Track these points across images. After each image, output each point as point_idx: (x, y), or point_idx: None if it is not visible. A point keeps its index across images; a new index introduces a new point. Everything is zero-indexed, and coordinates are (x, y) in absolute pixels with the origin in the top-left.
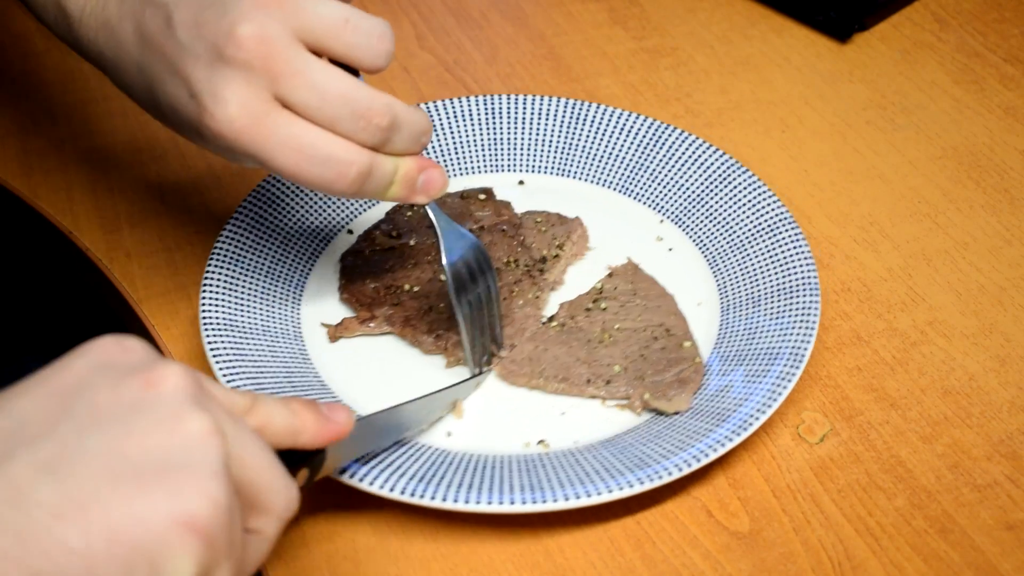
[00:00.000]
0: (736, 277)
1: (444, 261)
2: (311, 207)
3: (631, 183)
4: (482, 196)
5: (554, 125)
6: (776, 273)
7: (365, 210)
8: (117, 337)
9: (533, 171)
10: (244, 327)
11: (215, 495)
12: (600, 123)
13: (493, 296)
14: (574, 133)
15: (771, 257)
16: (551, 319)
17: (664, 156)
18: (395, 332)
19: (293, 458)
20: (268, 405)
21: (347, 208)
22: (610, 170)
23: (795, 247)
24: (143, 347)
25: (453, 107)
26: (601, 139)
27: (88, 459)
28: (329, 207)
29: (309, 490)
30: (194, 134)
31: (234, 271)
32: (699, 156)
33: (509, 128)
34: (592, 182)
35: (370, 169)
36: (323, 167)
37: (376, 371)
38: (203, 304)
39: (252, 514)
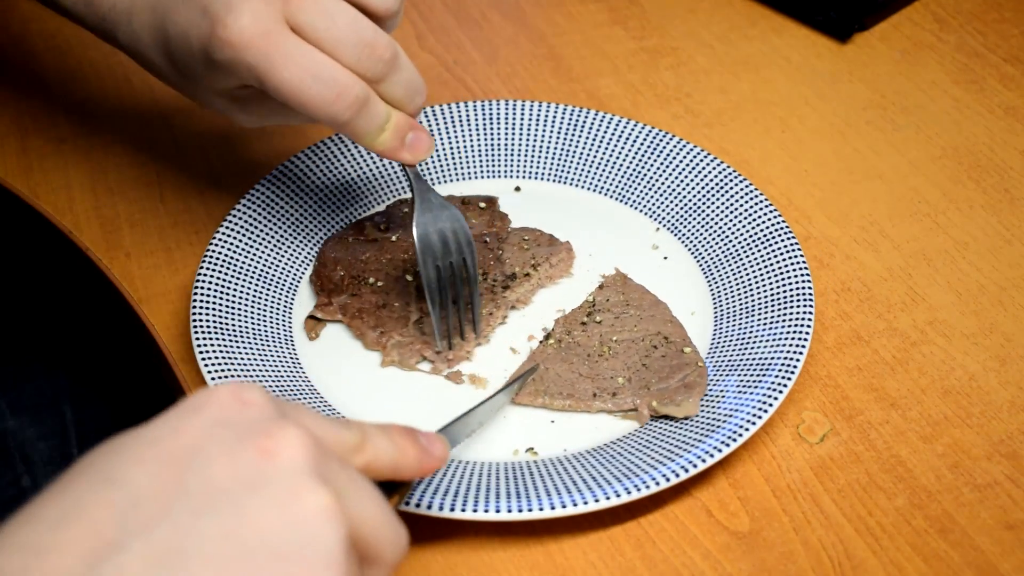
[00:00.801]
0: (731, 286)
1: (414, 223)
2: (306, 211)
3: (627, 190)
4: (483, 204)
5: (551, 131)
6: (770, 283)
7: (361, 215)
8: (235, 389)
9: (530, 177)
10: (235, 331)
11: None
12: (597, 130)
13: (470, 274)
14: (571, 140)
15: (766, 266)
16: (547, 336)
17: (661, 164)
18: (344, 322)
19: (385, 485)
20: (375, 441)
21: (342, 212)
22: (607, 177)
23: (790, 257)
24: (261, 399)
25: (450, 112)
26: (598, 146)
27: (202, 550)
28: (324, 211)
29: None
30: (200, 61)
31: (226, 275)
32: (696, 164)
33: (506, 134)
34: (589, 189)
35: (367, 100)
36: (324, 85)
37: (366, 376)
38: (194, 308)
39: (366, 565)
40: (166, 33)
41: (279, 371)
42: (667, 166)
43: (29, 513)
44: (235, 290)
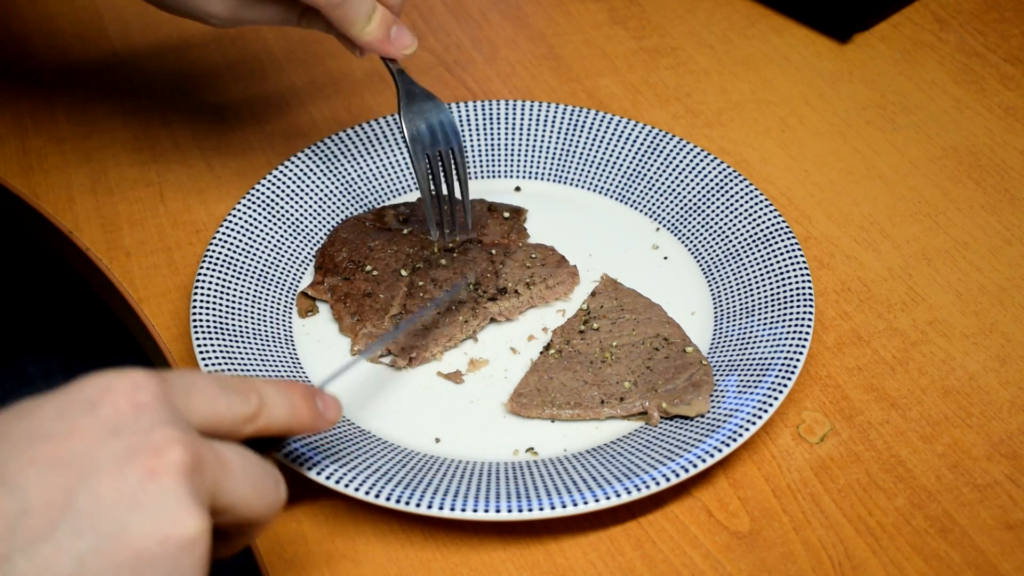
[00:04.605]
0: (731, 286)
1: (401, 117)
2: (305, 211)
3: (628, 190)
4: (507, 214)
5: (551, 131)
6: (770, 283)
7: (360, 215)
8: (129, 389)
9: (530, 177)
10: (235, 331)
11: None
12: (598, 130)
13: (458, 163)
14: (572, 140)
15: (766, 266)
16: (547, 347)
17: (661, 164)
18: (328, 302)
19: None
20: (271, 407)
21: (342, 212)
22: (607, 177)
23: (790, 257)
24: (153, 400)
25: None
26: (599, 146)
27: (81, 571)
28: (324, 210)
29: (309, 491)
30: None
31: (226, 275)
32: (696, 164)
33: (506, 134)
34: (589, 189)
35: None
36: None
37: (366, 376)
38: (194, 308)
39: (245, 528)
40: None
41: (279, 372)
42: (667, 166)
43: None
44: (235, 290)
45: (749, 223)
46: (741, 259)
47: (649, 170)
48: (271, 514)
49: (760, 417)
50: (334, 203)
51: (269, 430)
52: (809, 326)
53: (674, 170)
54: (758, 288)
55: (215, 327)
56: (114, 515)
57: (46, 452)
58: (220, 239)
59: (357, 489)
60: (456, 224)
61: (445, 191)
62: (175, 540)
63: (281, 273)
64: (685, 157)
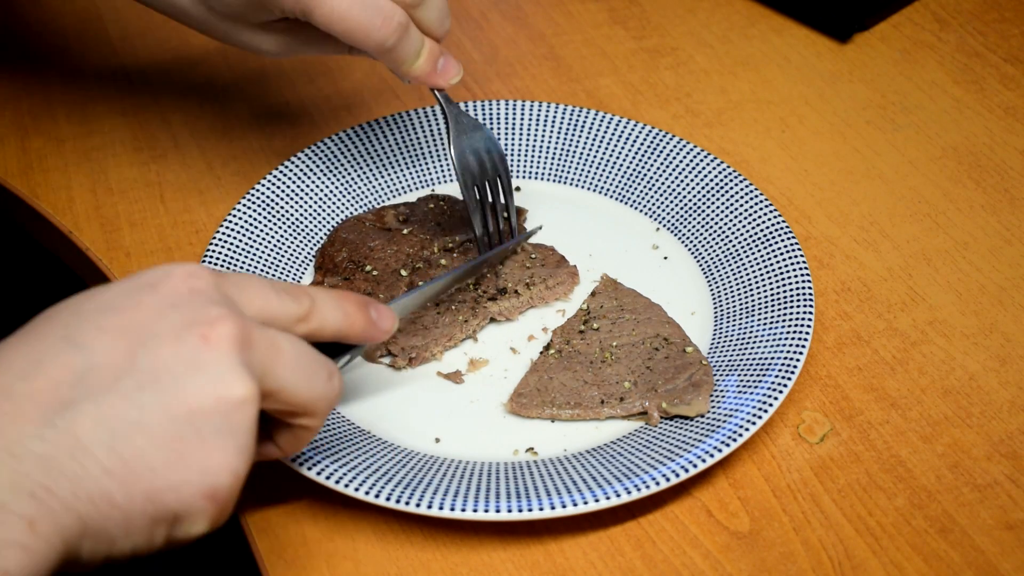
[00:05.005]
0: (731, 286)
1: (451, 146)
2: (305, 211)
3: (628, 190)
4: (505, 215)
5: (551, 131)
6: (770, 283)
7: (360, 214)
8: (187, 274)
9: (530, 177)
10: None
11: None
12: (597, 130)
13: (504, 187)
14: (572, 140)
15: (766, 266)
16: (547, 347)
17: (661, 164)
18: None
19: (338, 346)
20: (323, 310)
21: (342, 212)
22: (607, 177)
23: (790, 257)
24: (208, 286)
25: None
26: (599, 146)
27: (140, 419)
28: (323, 211)
29: (309, 491)
30: None
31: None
32: (696, 164)
33: (506, 134)
34: (589, 189)
35: (407, 27)
36: (370, 12)
37: (368, 376)
38: None
39: (299, 417)
40: None
41: None
42: (667, 166)
43: None
44: None
45: (749, 223)
46: (741, 259)
47: (649, 170)
48: (322, 405)
49: (760, 417)
50: (334, 203)
51: (322, 333)
52: (809, 326)
53: (674, 170)
54: (758, 288)
55: None
56: (172, 374)
57: (111, 321)
58: (220, 239)
59: (357, 489)
60: (502, 244)
61: (493, 217)
62: (227, 399)
63: (281, 273)
64: (685, 157)
